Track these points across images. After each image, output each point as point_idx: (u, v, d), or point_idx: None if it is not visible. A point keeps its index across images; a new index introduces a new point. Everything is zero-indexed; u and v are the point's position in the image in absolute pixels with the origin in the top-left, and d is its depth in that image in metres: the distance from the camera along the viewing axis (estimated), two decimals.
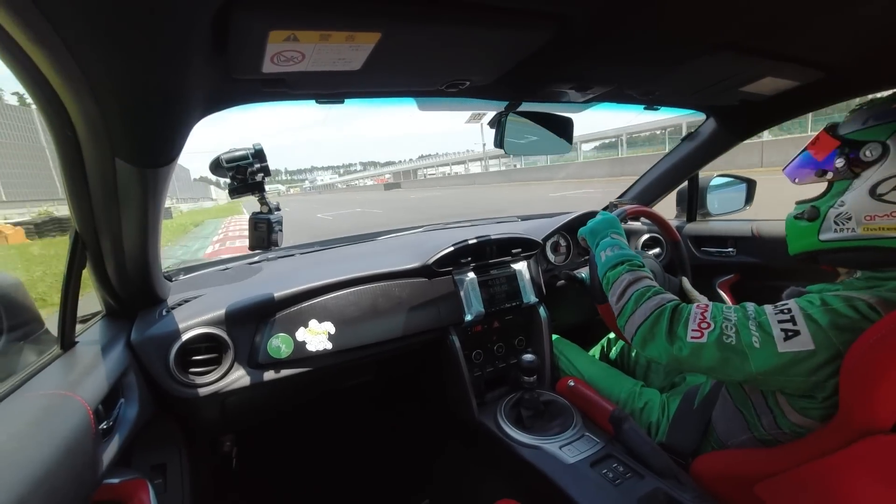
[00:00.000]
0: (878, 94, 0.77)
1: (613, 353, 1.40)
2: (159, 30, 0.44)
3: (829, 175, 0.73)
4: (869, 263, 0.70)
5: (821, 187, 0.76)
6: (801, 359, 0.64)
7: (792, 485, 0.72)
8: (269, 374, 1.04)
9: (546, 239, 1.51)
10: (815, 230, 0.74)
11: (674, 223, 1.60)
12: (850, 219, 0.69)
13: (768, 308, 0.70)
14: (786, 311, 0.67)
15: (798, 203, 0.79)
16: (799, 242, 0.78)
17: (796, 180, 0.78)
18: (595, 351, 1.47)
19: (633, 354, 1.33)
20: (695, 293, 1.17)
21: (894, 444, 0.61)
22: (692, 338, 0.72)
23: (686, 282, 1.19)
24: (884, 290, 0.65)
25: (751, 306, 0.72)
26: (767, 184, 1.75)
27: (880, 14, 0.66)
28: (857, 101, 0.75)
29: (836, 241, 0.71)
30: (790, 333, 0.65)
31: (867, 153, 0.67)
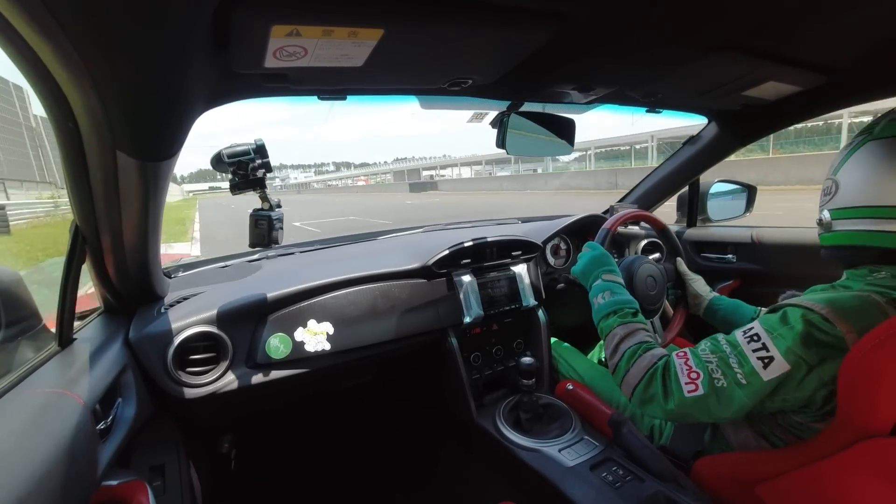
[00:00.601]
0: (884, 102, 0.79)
1: None
2: (160, 26, 0.44)
3: None
4: (834, 259, 0.78)
5: None
6: (783, 380, 0.66)
7: (792, 487, 0.72)
8: (268, 375, 1.03)
9: (546, 242, 1.51)
10: None
11: (674, 228, 1.60)
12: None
13: (739, 337, 0.71)
14: (755, 337, 0.69)
15: None
16: None
17: None
18: (594, 354, 1.47)
19: None
20: (690, 274, 1.18)
21: (893, 447, 0.61)
22: (689, 392, 0.72)
23: (681, 263, 1.19)
24: (842, 291, 0.68)
25: (722, 340, 0.74)
26: None
27: (883, 16, 0.66)
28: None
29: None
30: (766, 360, 0.66)
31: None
